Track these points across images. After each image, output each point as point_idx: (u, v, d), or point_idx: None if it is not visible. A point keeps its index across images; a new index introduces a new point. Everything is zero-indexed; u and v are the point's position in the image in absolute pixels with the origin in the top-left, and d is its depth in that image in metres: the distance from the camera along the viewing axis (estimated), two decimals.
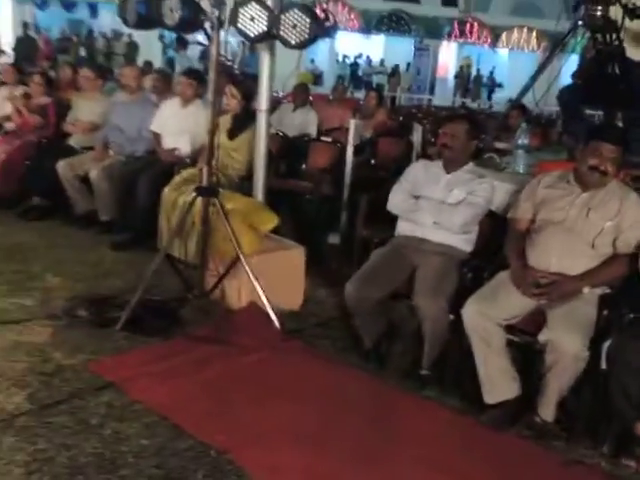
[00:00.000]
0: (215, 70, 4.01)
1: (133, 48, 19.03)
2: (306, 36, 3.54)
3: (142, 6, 4.06)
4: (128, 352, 3.79)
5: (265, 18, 3.66)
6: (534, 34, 24.44)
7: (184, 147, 5.72)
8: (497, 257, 3.67)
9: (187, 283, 4.35)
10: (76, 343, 3.84)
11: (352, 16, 22.38)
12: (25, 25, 16.13)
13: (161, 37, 20.69)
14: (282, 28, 3.58)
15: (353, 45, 23.08)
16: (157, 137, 5.88)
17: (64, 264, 5.09)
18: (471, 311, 3.26)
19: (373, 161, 7.07)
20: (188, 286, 4.35)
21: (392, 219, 4.35)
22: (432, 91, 24.30)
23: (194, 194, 4.14)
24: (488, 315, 3.21)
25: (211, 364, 3.71)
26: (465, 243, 3.79)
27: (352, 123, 6.12)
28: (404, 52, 24.18)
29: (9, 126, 6.84)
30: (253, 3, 3.69)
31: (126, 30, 18.77)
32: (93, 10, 20.98)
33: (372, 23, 23.34)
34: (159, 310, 4.27)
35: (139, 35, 18.76)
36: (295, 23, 3.53)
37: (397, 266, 3.74)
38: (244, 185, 5.29)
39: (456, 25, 23.86)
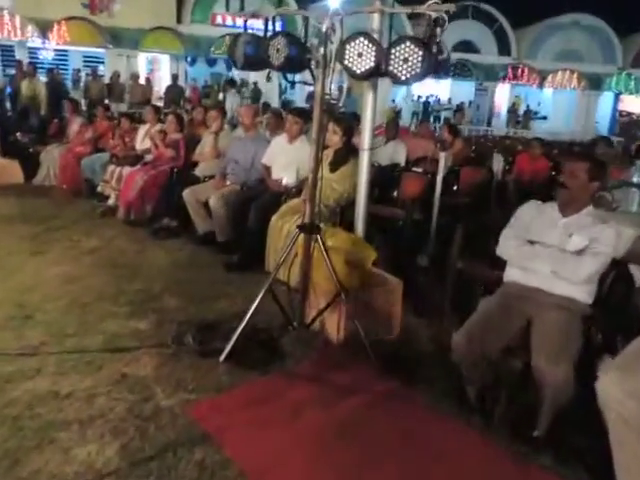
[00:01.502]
0: (320, 108, 2.94)
1: (257, 92, 18.30)
2: (417, 70, 2.39)
3: (250, 47, 3.04)
4: (226, 393, 2.79)
5: (373, 53, 2.55)
6: (575, 75, 22.20)
7: (290, 178, 4.69)
8: (628, 315, 2.43)
9: (288, 314, 3.31)
10: (179, 377, 2.89)
11: None
12: (174, 76, 15.58)
13: (280, 84, 19.96)
14: (392, 63, 2.46)
15: (425, 87, 21.74)
16: (267, 169, 4.88)
17: (182, 284, 4.17)
18: (608, 384, 2.04)
19: (455, 187, 5.85)
20: (289, 317, 3.31)
21: (489, 250, 3.21)
22: (489, 124, 22.58)
23: (297, 230, 3.08)
24: (633, 392, 1.99)
25: (309, 410, 2.66)
26: (587, 295, 2.55)
27: (442, 156, 4.91)
28: (467, 92, 22.59)
29: (148, 158, 6.03)
30: (361, 38, 2.58)
31: (252, 78, 18.10)
32: (228, 65, 20.39)
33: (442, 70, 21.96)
34: (261, 340, 3.26)
35: (262, 82, 18.06)
36: (406, 57, 2.40)
37: (509, 318, 2.55)
38: (344, 213, 4.22)
39: (510, 70, 22.04)
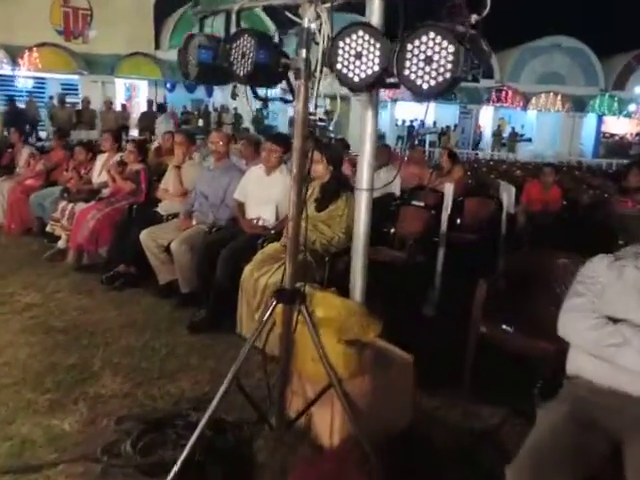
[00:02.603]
0: (301, 132, 2.10)
1: (238, 118, 17.57)
2: (448, 75, 1.56)
3: (206, 52, 2.20)
4: None
5: (378, 52, 1.72)
6: (559, 97, 21.85)
7: (268, 217, 3.83)
8: None
9: (262, 410, 2.42)
10: None
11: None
12: (149, 102, 14.78)
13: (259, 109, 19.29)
14: (408, 64, 1.62)
15: (408, 111, 21.29)
16: (240, 206, 4.02)
17: (131, 354, 3.27)
18: None
19: (459, 221, 5.05)
20: (263, 413, 2.42)
21: (515, 308, 2.40)
22: (476, 146, 22.07)
23: (273, 300, 2.21)
24: None
25: None
26: None
27: (448, 187, 4.11)
28: (451, 115, 22.07)
29: (105, 192, 5.15)
30: (360, 32, 1.76)
31: (232, 104, 17.37)
32: (209, 91, 19.68)
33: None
34: (225, 446, 2.37)
35: (243, 108, 17.34)
36: (430, 55, 1.58)
37: (585, 442, 1.68)
38: (334, 264, 3.36)
39: (494, 92, 21.61)
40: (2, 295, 4.16)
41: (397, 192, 5.46)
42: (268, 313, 2.22)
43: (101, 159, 5.37)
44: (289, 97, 2.23)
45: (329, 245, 3.38)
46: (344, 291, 2.74)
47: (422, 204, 4.64)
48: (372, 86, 1.79)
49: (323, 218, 3.44)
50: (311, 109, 2.08)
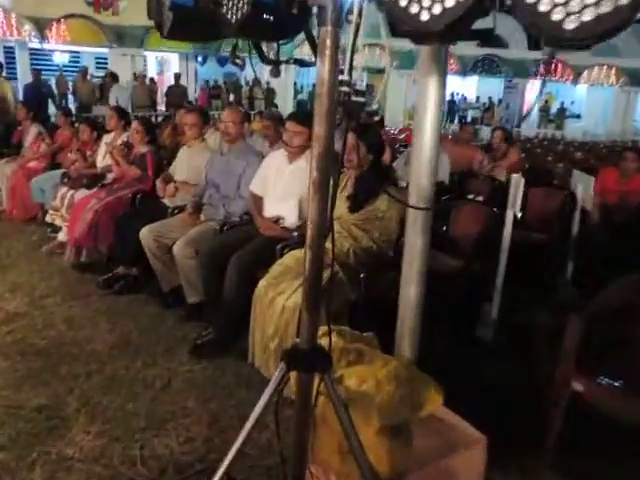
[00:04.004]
0: (328, 104, 1.30)
1: (271, 93, 16.68)
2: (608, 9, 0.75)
3: None
4: None
5: None
6: (613, 71, 20.15)
7: (289, 216, 3.06)
8: None
9: None
10: None
11: (451, 60, 19.13)
12: (176, 76, 14.02)
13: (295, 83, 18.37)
14: None
15: (450, 85, 19.93)
16: (257, 201, 3.25)
17: (117, 390, 2.58)
18: None
19: (520, 215, 4.16)
20: None
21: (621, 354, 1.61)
22: (519, 123, 20.63)
23: (282, 367, 1.45)
24: None
25: None
26: None
27: (514, 179, 3.24)
28: (495, 90, 20.64)
29: (109, 178, 4.46)
30: None
31: (265, 78, 16.50)
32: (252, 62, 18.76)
33: (468, 66, 20.06)
34: None
35: (276, 81, 16.48)
36: None
37: None
38: (370, 284, 2.57)
39: (542, 65, 20.08)
40: None
41: (446, 179, 4.59)
42: (276, 382, 1.47)
43: (106, 140, 4.66)
44: (311, 58, 1.44)
45: (366, 256, 2.60)
46: (386, 324, 1.97)
47: (480, 198, 3.78)
48: (453, 30, 0.97)
49: (358, 221, 2.65)
50: (343, 74, 1.28)
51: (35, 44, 15.20)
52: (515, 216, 3.98)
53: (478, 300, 3.33)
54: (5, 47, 15.53)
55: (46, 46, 15.12)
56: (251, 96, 16.38)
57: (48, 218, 4.68)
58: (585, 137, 17.37)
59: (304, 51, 10.85)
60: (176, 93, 11.84)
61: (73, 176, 4.58)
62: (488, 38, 1.19)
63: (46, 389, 2.58)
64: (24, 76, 14.24)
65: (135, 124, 4.27)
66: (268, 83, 16.60)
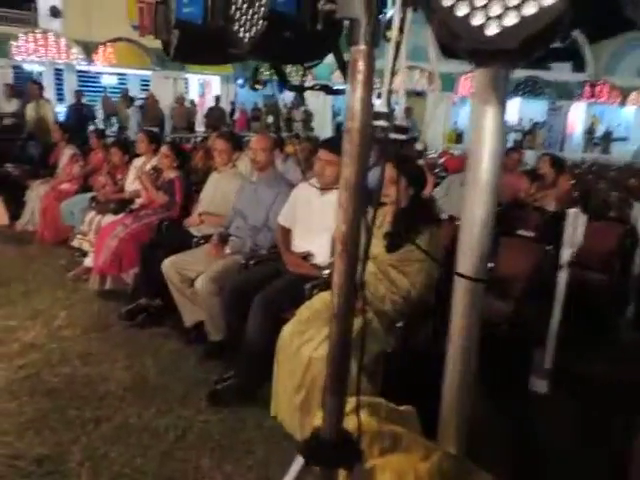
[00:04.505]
0: (358, 146, 1.04)
1: (309, 115, 16.62)
2: None
3: (192, 5, 1.18)
4: None
5: None
6: None
7: (320, 253, 2.80)
8: None
9: None
10: None
11: None
12: (217, 98, 14.12)
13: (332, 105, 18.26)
14: None
15: None
16: (285, 234, 3.01)
17: (126, 441, 2.35)
18: None
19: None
20: None
21: None
22: (561, 147, 19.94)
23: (300, 461, 1.17)
24: None
25: None
26: None
27: (572, 214, 2.89)
28: (538, 112, 20.06)
29: (138, 202, 4.31)
30: None
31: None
32: (280, 87, 18.83)
33: (509, 88, 19.66)
34: None
35: (315, 104, 16.46)
36: None
37: None
38: (409, 334, 2.28)
39: (587, 87, 19.42)
40: (4, 329, 3.40)
41: None
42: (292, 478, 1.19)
43: (136, 163, 4.54)
44: (339, 83, 1.20)
45: (403, 302, 2.31)
46: (426, 387, 1.68)
47: (531, 234, 3.44)
48: (532, 47, 0.70)
49: (396, 261, 2.37)
50: (378, 102, 1.02)
51: (83, 67, 15.64)
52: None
53: (529, 347, 2.98)
54: (56, 69, 16.01)
55: (92, 68, 15.52)
56: (289, 118, 16.35)
57: (75, 242, 4.57)
58: (637, 160, 16.59)
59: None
60: (215, 115, 11.84)
61: (101, 200, 4.47)
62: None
63: (51, 436, 2.37)
64: (68, 97, 14.63)
65: (164, 148, 4.12)
66: (306, 106, 16.57)
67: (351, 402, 1.27)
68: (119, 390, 2.76)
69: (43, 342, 3.26)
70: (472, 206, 1.38)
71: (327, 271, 2.69)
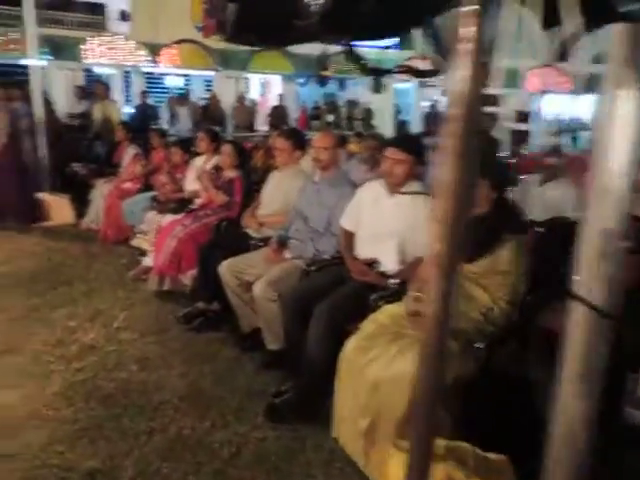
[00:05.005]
0: (464, 139, 0.80)
1: (369, 113, 16.32)
2: None
3: None
4: None
5: None
6: None
7: (387, 260, 2.56)
8: None
9: None
10: None
11: (564, 79, 17.68)
12: (279, 97, 14.11)
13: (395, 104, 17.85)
14: None
15: (555, 104, 18.47)
16: (348, 239, 2.79)
17: (179, 456, 2.21)
18: None
19: None
20: None
21: None
22: None
23: None
24: None
25: None
26: None
27: None
28: None
29: (197, 202, 4.22)
30: None
31: (362, 99, 16.26)
32: (341, 84, 18.63)
33: (582, 84, 18.54)
34: None
35: (375, 101, 16.17)
36: None
37: None
38: (492, 355, 2.00)
39: None
40: (64, 329, 3.38)
41: (575, 216, 3.87)
42: None
43: (196, 163, 4.45)
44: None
45: (484, 321, 2.04)
46: (515, 411, 1.42)
47: (629, 244, 3.06)
48: None
49: (475, 274, 2.10)
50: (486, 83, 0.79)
51: (149, 68, 16.02)
52: None
53: (623, 373, 2.62)
54: (125, 72, 16.47)
55: (158, 70, 15.88)
56: (350, 116, 16.13)
57: (135, 242, 4.55)
58: None
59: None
60: (277, 114, 11.78)
61: (161, 200, 4.41)
62: None
63: (104, 447, 2.26)
64: (133, 98, 15.00)
65: (226, 147, 4.00)
66: (366, 103, 16.30)
67: (438, 447, 1.05)
68: (174, 399, 2.64)
69: (101, 344, 3.20)
70: (597, 214, 1.12)
71: (394, 281, 2.46)
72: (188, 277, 3.76)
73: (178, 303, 3.73)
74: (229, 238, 3.60)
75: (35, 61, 6.53)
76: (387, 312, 2.22)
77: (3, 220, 5.62)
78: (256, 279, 2.95)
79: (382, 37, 0.99)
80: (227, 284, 3.08)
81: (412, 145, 2.59)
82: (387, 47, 1.09)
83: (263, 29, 1.09)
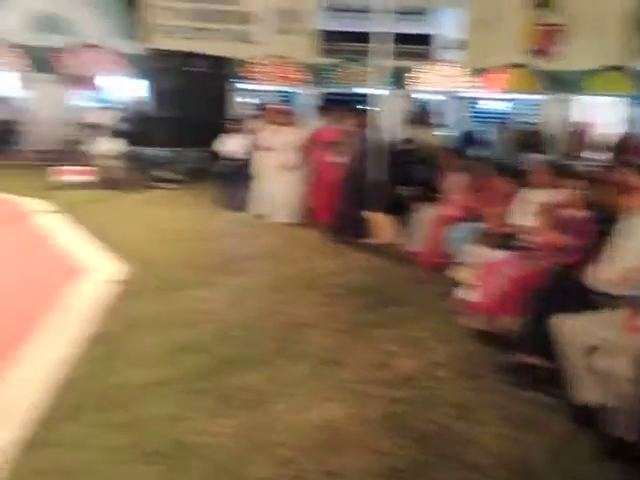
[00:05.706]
0: None
1: None
2: None
3: None
4: None
5: None
6: None
7: None
8: None
9: None
10: None
11: None
12: (627, 122, 12.17)
13: None
14: None
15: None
16: None
17: None
18: None
19: None
20: None
21: None
22: None
23: None
24: None
25: None
26: None
27: None
28: None
29: (529, 240, 3.81)
30: None
31: None
32: None
33: None
34: None
35: None
36: None
37: None
38: None
39: None
40: (384, 352, 3.42)
41: None
42: None
43: (529, 196, 4.04)
44: None
45: None
46: None
47: None
48: None
49: None
50: None
51: (474, 94, 15.93)
52: None
53: None
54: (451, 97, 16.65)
55: (482, 95, 15.73)
56: None
57: (453, 272, 4.40)
58: None
59: None
60: (624, 143, 10.18)
61: (491, 233, 4.15)
62: None
63: None
64: (458, 124, 15.09)
65: (573, 183, 3.50)
66: None
67: None
68: (489, 460, 2.34)
69: (418, 377, 3.12)
70: None
71: None
72: (509, 322, 3.42)
73: (498, 348, 3.42)
74: (566, 288, 3.12)
75: (379, 90, 7.09)
76: None
77: (342, 234, 6.24)
78: (603, 343, 2.43)
79: None
80: (569, 344, 2.63)
81: None
82: None
83: None
